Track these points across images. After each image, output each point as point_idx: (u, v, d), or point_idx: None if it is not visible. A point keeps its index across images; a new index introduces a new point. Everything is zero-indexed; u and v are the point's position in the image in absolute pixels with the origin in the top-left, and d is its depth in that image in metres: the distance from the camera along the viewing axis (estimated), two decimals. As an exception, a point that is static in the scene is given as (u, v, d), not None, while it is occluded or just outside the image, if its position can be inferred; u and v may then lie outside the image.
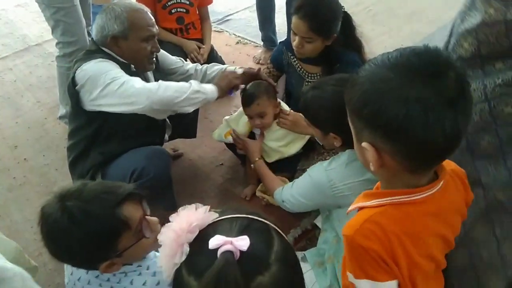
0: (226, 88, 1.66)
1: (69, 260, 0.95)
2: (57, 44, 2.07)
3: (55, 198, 0.90)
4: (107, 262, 0.90)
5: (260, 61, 2.89)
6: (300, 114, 1.65)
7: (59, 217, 0.86)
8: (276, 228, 0.68)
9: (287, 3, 2.67)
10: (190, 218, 0.65)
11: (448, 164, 0.83)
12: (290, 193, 1.36)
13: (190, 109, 1.56)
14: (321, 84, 1.26)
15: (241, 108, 1.82)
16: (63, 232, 0.87)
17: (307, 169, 1.34)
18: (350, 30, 1.73)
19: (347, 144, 1.16)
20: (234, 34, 3.29)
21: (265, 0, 2.74)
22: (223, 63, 2.56)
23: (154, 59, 1.66)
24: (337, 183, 1.18)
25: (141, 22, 1.56)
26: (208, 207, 0.67)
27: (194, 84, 1.56)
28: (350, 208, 0.80)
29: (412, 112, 0.62)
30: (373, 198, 0.77)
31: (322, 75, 1.79)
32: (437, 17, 3.32)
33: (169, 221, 0.68)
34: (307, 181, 1.28)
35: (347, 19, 1.71)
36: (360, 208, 0.78)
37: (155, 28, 1.62)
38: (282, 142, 1.75)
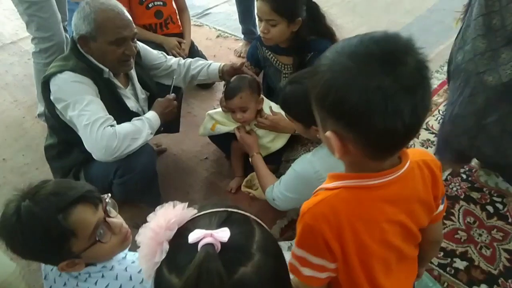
0: (167, 115, 1.67)
1: (25, 257, 0.92)
2: (32, 39, 2.02)
3: (17, 196, 0.88)
4: (66, 262, 0.89)
5: (242, 55, 2.89)
6: (279, 114, 1.68)
7: (9, 216, 0.86)
8: (257, 219, 0.67)
9: None
10: (168, 215, 0.63)
11: (422, 155, 0.84)
12: (279, 190, 1.37)
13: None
14: (297, 78, 1.27)
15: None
16: (11, 231, 0.86)
17: (292, 164, 1.34)
18: (319, 18, 1.75)
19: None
20: (214, 28, 3.27)
21: (244, -7, 2.73)
22: (204, 57, 2.56)
23: (128, 61, 1.57)
24: (323, 173, 1.19)
25: (108, 24, 1.45)
26: (186, 203, 0.66)
27: (146, 129, 1.53)
28: (316, 189, 0.81)
29: (372, 101, 0.62)
30: (333, 180, 0.79)
31: (293, 65, 1.80)
32: (414, 7, 3.38)
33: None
34: (293, 175, 1.29)
35: (314, 6, 1.73)
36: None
37: (128, 31, 1.49)
38: (268, 138, 1.76)
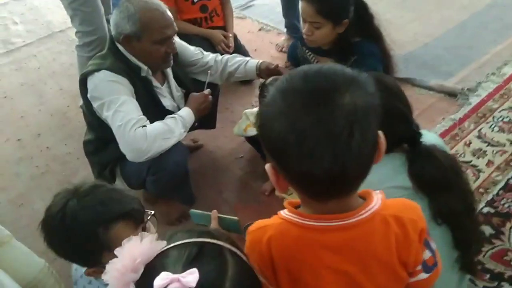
0: (202, 111, 1.65)
1: (59, 254, 0.94)
2: (76, 33, 2.06)
3: (67, 192, 0.91)
4: (93, 269, 0.90)
5: (283, 49, 2.81)
6: None
7: (54, 213, 0.88)
8: (232, 248, 0.64)
9: None
10: (133, 253, 0.60)
11: (400, 210, 0.73)
12: None
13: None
14: None
15: None
16: (52, 228, 0.89)
17: None
18: (367, 18, 1.64)
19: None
20: (257, 21, 3.21)
21: (288, -14, 2.65)
22: (247, 52, 2.51)
23: (169, 58, 1.59)
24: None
25: (154, 24, 1.47)
26: (155, 235, 0.63)
27: (179, 129, 1.52)
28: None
29: (287, 141, 0.58)
30: (287, 208, 0.75)
31: None
32: (471, 2, 3.14)
33: (188, 216, 0.65)
34: None
35: (362, 6, 1.63)
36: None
37: (171, 30, 1.52)
38: None
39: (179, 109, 1.74)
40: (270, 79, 1.67)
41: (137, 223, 0.91)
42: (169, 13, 1.52)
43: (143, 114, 1.49)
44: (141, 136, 1.42)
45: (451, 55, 2.63)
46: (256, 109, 1.85)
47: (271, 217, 0.78)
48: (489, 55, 2.57)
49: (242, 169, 2.04)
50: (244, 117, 1.86)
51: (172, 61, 1.62)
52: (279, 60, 2.77)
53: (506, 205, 1.71)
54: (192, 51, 1.82)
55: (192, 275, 0.55)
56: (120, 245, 0.84)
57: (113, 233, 0.87)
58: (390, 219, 0.71)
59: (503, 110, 2.17)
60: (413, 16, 3.03)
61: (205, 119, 2.04)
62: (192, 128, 1.98)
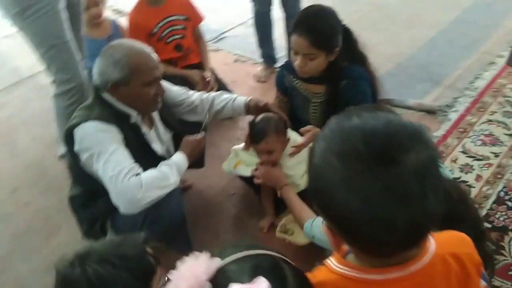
0: (195, 156, 1.61)
1: None
2: (52, 82, 1.97)
3: (73, 261, 0.86)
4: None
5: (261, 79, 2.83)
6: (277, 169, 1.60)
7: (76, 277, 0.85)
8: (282, 256, 0.64)
9: (286, 25, 2.62)
10: (196, 272, 0.58)
11: (455, 246, 0.72)
12: (319, 231, 1.27)
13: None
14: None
15: None
16: None
17: None
18: (353, 44, 1.67)
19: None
20: (231, 52, 3.21)
21: (262, 18, 2.68)
22: (225, 85, 2.49)
23: (158, 100, 1.55)
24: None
25: (142, 67, 1.45)
26: (208, 253, 0.62)
27: (174, 176, 1.47)
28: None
29: (357, 210, 0.54)
30: (337, 260, 0.70)
31: (326, 93, 1.72)
32: (436, 21, 3.28)
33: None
34: None
35: (348, 33, 1.65)
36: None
37: (158, 71, 1.50)
38: (298, 172, 1.65)
39: (168, 151, 1.69)
40: (260, 116, 1.65)
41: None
42: (155, 55, 1.51)
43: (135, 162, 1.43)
44: (135, 185, 1.36)
45: (424, 73, 2.71)
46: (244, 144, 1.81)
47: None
48: (460, 71, 2.67)
49: (236, 207, 1.99)
50: (233, 153, 1.82)
51: (160, 104, 1.59)
52: (258, 90, 2.78)
53: (501, 218, 1.73)
54: (176, 91, 1.79)
55: (263, 284, 0.54)
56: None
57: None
58: (449, 258, 0.68)
59: (482, 123, 2.23)
60: (384, 37, 3.12)
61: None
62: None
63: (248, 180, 1.95)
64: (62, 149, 2.20)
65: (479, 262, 0.73)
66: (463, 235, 0.75)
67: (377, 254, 0.62)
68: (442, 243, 0.69)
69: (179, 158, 1.52)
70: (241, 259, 0.61)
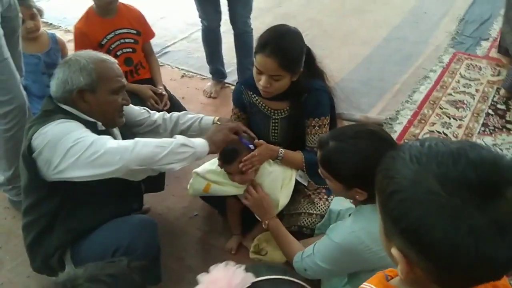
0: (221, 141, 1.51)
1: None
2: (-12, 104, 1.76)
3: (65, 283, 0.80)
4: None
5: (212, 95, 2.79)
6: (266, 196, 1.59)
7: None
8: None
9: (235, 41, 2.62)
10: (231, 282, 0.59)
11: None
12: (312, 261, 1.26)
13: (177, 166, 1.38)
14: (341, 136, 1.20)
15: (213, 160, 1.70)
16: None
17: (327, 233, 1.25)
18: (311, 61, 1.71)
19: (372, 197, 1.10)
20: (177, 67, 3.13)
21: (211, 34, 2.65)
22: (179, 102, 2.42)
23: (123, 111, 1.51)
24: (370, 244, 1.11)
25: (110, 73, 1.43)
26: (243, 266, 0.62)
27: (179, 137, 1.41)
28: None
29: (459, 242, 0.52)
30: (382, 284, 0.67)
31: (290, 110, 1.73)
32: (370, 37, 3.48)
33: None
34: (333, 247, 1.19)
35: (309, 52, 1.69)
36: None
37: (124, 79, 1.48)
38: (274, 193, 1.64)
39: None
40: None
41: None
42: (118, 65, 1.49)
43: None
44: (127, 141, 1.32)
45: (366, 88, 2.86)
46: (207, 166, 1.76)
47: None
48: (399, 85, 2.86)
49: (200, 229, 1.92)
50: (195, 176, 1.74)
51: (124, 118, 1.53)
52: (210, 106, 2.73)
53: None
54: (137, 110, 1.71)
55: None
56: None
57: None
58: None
59: (424, 134, 2.41)
60: (324, 54, 3.21)
61: (152, 181, 1.90)
62: (138, 194, 1.81)
63: (211, 201, 1.90)
64: (-1, 177, 1.97)
65: None
66: None
67: (461, 284, 0.59)
68: None
69: (197, 139, 1.46)
70: (275, 281, 0.62)
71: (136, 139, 1.35)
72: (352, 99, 2.72)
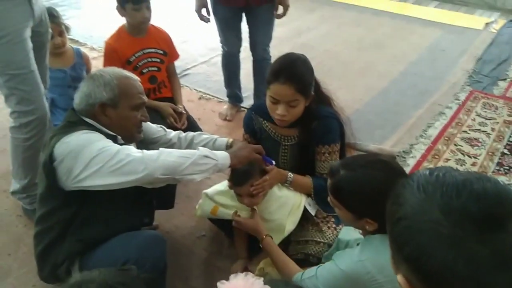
0: (244, 157, 1.54)
1: None
2: (11, 113, 1.82)
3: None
4: None
5: (227, 118, 2.84)
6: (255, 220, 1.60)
7: None
8: None
9: (253, 67, 2.67)
10: None
11: None
12: (313, 283, 1.24)
13: (198, 178, 1.41)
14: (352, 165, 1.21)
15: (224, 182, 1.72)
16: None
17: (333, 258, 1.24)
18: (318, 86, 1.73)
19: (382, 228, 1.10)
20: (195, 90, 3.20)
21: (231, 59, 2.72)
22: (196, 122, 2.47)
23: (141, 127, 1.56)
24: (376, 275, 1.10)
25: (132, 90, 1.48)
26: (261, 278, 0.67)
27: (202, 149, 1.45)
28: None
29: (459, 273, 0.54)
30: None
31: (299, 137, 1.75)
32: (387, 71, 3.52)
33: None
34: (338, 274, 1.18)
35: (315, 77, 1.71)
36: None
37: (145, 96, 1.54)
38: (281, 218, 1.64)
39: None
40: None
41: None
42: (140, 83, 1.55)
43: None
44: (151, 151, 1.36)
45: (381, 120, 2.87)
46: (218, 187, 1.77)
47: None
48: (414, 119, 2.86)
49: (206, 250, 1.91)
50: (204, 197, 1.76)
51: (142, 134, 1.59)
52: (224, 128, 2.77)
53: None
54: (154, 127, 1.75)
55: None
56: None
57: None
58: None
59: (438, 170, 2.38)
60: (340, 84, 3.28)
61: (162, 198, 1.92)
62: (150, 208, 1.83)
63: (219, 223, 1.90)
64: (14, 185, 2.01)
65: None
66: None
67: None
68: None
69: (220, 152, 1.50)
70: None
71: (161, 149, 1.40)
72: (366, 131, 2.74)
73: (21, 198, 2.01)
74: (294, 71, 1.57)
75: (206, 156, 1.41)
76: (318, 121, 1.69)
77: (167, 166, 1.34)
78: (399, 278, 0.62)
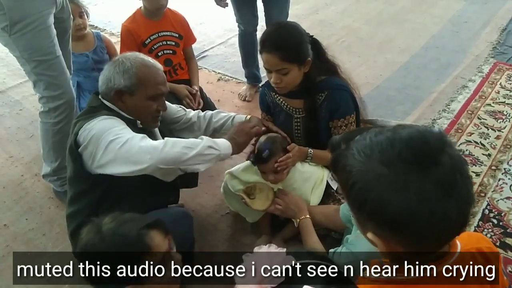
0: (243, 143, 1.55)
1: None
2: (40, 99, 1.89)
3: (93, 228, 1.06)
4: (129, 287, 0.97)
5: (247, 98, 2.85)
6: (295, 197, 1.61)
7: (91, 238, 1.05)
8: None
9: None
10: (272, 260, 0.66)
11: (477, 241, 0.80)
12: (343, 262, 1.27)
13: (202, 168, 1.43)
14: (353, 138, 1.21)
15: (247, 162, 1.74)
16: (93, 251, 1.01)
17: (348, 247, 1.26)
18: (322, 53, 1.72)
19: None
20: (214, 71, 3.22)
21: (247, 39, 2.72)
22: (213, 104, 2.49)
23: (159, 116, 1.57)
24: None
25: (150, 79, 1.48)
26: (284, 249, 0.69)
27: (205, 139, 1.45)
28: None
29: (414, 209, 0.61)
30: (376, 269, 0.75)
31: (304, 107, 1.74)
32: (407, 46, 3.45)
33: None
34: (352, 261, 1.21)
35: (316, 44, 1.70)
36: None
37: (165, 87, 1.54)
38: (307, 192, 1.67)
39: None
40: (265, 136, 1.65)
41: (165, 234, 1.07)
42: (163, 73, 1.54)
43: None
44: (157, 141, 1.37)
45: (402, 96, 2.84)
46: (242, 165, 1.80)
47: None
48: (436, 94, 2.82)
49: (231, 227, 1.96)
50: (228, 177, 1.79)
51: (159, 122, 1.60)
52: (244, 109, 2.79)
53: (488, 235, 1.82)
54: (174, 108, 1.78)
55: None
56: (158, 252, 1.01)
57: (150, 237, 1.02)
58: (475, 252, 0.76)
59: (461, 144, 2.36)
60: (360, 61, 3.25)
61: (186, 177, 1.96)
62: (175, 187, 1.88)
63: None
64: (45, 168, 2.10)
65: (499, 254, 0.80)
66: (478, 233, 0.84)
67: (430, 247, 0.68)
68: (465, 240, 0.76)
69: (221, 141, 1.49)
70: (308, 264, 0.67)
71: (166, 138, 1.40)
72: (387, 107, 2.72)
73: (52, 180, 2.09)
74: (276, 40, 1.58)
75: (210, 147, 1.42)
76: (328, 92, 1.68)
77: (172, 156, 1.35)
78: (370, 235, 0.68)
